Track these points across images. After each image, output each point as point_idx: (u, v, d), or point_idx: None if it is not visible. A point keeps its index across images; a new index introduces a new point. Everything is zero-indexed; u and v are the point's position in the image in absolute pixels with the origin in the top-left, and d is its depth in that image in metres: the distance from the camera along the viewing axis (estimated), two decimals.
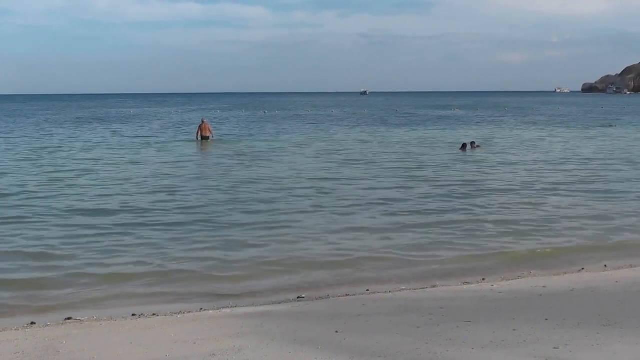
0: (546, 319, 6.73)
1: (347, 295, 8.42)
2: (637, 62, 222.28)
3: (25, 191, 17.77)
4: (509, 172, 21.23)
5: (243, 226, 13.00)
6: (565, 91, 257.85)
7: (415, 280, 9.32)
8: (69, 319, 7.66)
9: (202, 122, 35.84)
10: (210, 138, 33.87)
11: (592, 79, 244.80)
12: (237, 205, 15.22)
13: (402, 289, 8.72)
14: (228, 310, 7.79)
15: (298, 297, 8.41)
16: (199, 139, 33.83)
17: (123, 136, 39.62)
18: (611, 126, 48.18)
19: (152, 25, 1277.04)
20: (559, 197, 16.30)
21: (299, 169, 22.28)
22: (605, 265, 9.94)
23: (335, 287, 8.99)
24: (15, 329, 7.15)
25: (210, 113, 70.15)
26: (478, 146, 29.36)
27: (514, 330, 6.39)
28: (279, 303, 8.09)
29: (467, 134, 37.99)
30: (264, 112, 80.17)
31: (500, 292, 8.22)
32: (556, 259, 10.64)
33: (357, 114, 75.06)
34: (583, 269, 9.73)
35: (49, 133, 43.42)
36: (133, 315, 7.73)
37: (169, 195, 16.86)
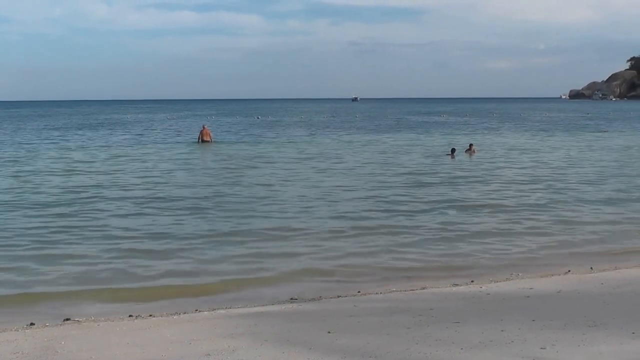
0: (533, 320, 6.85)
1: (338, 296, 8.49)
2: (623, 69, 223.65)
3: (26, 194, 17.86)
4: (498, 176, 21.42)
5: (237, 229, 13.08)
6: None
7: (405, 282, 9.42)
8: (67, 319, 7.71)
9: (203, 127, 38.81)
10: (210, 142, 36.23)
11: (579, 85, 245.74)
12: (230, 209, 15.30)
13: (393, 291, 8.80)
14: (223, 312, 7.86)
15: (291, 299, 8.48)
16: (200, 142, 36.13)
17: (122, 141, 39.81)
18: (605, 131, 48.51)
19: (149, 33, 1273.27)
20: (548, 201, 16.47)
21: (290, 175, 22.37)
22: (591, 268, 10.05)
23: (327, 289, 9.07)
24: (15, 330, 7.21)
25: (206, 119, 70.23)
26: (474, 150, 29.52)
27: (502, 330, 6.51)
28: (273, 304, 8.15)
29: (457, 139, 38.19)
30: (257, 118, 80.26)
31: (489, 294, 8.32)
32: (543, 261, 10.78)
33: (349, 119, 75.18)
34: (569, 271, 9.83)
35: (46, 138, 43.50)
36: (130, 316, 7.80)
37: (165, 198, 16.94)
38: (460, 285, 9.03)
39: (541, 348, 5.94)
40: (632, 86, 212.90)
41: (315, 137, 42.65)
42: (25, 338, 6.80)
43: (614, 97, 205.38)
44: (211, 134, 37.85)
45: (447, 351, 5.94)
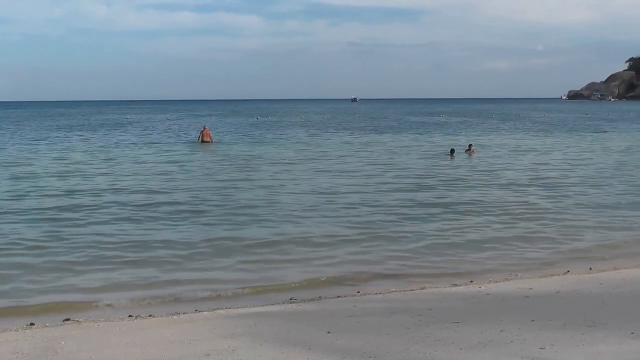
0: (532, 320, 6.86)
1: (338, 296, 8.51)
2: (621, 70, 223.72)
3: (25, 196, 17.87)
4: (497, 176, 21.45)
5: (235, 230, 13.10)
6: None
7: (404, 282, 9.45)
8: (67, 320, 7.74)
9: (204, 128, 39.32)
10: (210, 142, 36.57)
11: (578, 86, 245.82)
12: (229, 212, 15.29)
13: (392, 291, 8.83)
14: (222, 312, 7.88)
15: (290, 299, 8.50)
16: (200, 142, 36.57)
17: (122, 141, 39.86)
18: (605, 132, 48.60)
19: (149, 33, 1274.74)
20: (546, 202, 16.50)
21: (290, 176, 22.39)
22: (590, 268, 10.08)
23: (326, 289, 9.11)
24: (15, 330, 7.23)
25: (206, 120, 70.41)
26: (473, 151, 29.60)
27: (501, 331, 6.52)
28: (272, 305, 8.17)
29: (457, 140, 38.24)
30: (257, 118, 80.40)
31: (488, 294, 8.34)
32: (542, 261, 10.81)
33: (348, 120, 75.28)
34: (569, 271, 9.85)
35: (47, 138, 43.57)
36: (130, 316, 7.82)
37: (165, 200, 16.87)
38: (460, 286, 9.05)
39: (540, 348, 5.95)
40: (630, 87, 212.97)
41: (315, 138, 42.66)
42: (25, 338, 6.82)
43: (613, 98, 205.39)
44: (211, 135, 38.20)
45: (447, 351, 5.96)
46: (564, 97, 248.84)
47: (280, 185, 19.78)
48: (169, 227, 13.35)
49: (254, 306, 8.14)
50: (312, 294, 8.77)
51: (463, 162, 26.71)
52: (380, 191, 18.28)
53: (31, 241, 12.09)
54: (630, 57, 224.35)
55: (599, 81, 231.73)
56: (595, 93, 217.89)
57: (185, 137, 43.80)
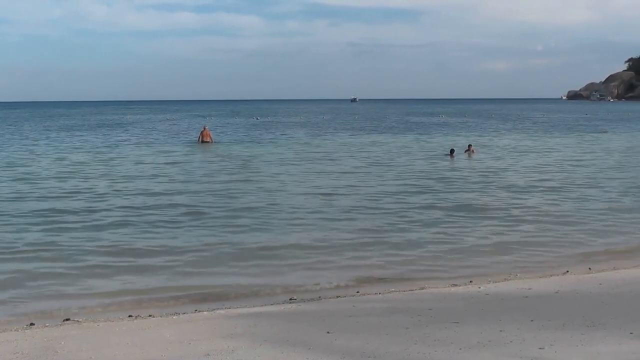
0: (532, 320, 6.86)
1: (337, 296, 8.51)
2: (621, 70, 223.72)
3: (26, 194, 17.94)
4: (497, 177, 21.46)
5: (236, 232, 13.09)
6: None
7: (404, 282, 9.44)
8: (67, 319, 7.75)
9: (204, 128, 39.55)
10: (210, 143, 36.77)
11: (577, 86, 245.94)
12: (229, 211, 15.31)
13: (392, 291, 8.82)
14: (222, 312, 7.88)
15: (290, 299, 8.51)
16: (200, 142, 36.78)
17: (121, 142, 39.90)
18: (605, 132, 48.63)
19: (149, 34, 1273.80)
20: (547, 202, 16.51)
21: (290, 176, 22.41)
22: (590, 268, 10.09)
23: (326, 289, 9.13)
24: (15, 330, 7.24)
25: (205, 120, 70.50)
26: (473, 151, 29.64)
27: (501, 331, 6.52)
28: (272, 305, 8.17)
29: (455, 140, 38.25)
30: (257, 119, 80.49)
31: (487, 294, 8.33)
32: (542, 261, 10.81)
33: (348, 120, 75.35)
34: (568, 271, 9.85)
35: (46, 138, 43.54)
36: (129, 316, 7.83)
37: (166, 202, 16.82)
38: (459, 286, 9.05)
39: (539, 348, 5.96)
40: (630, 87, 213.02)
41: (315, 139, 42.67)
42: (25, 338, 6.83)
43: (612, 98, 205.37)
44: (211, 135, 38.31)
45: (446, 351, 5.96)
46: (563, 98, 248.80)
47: (280, 186, 19.76)
48: (169, 229, 13.34)
49: (253, 306, 8.14)
50: (311, 294, 8.79)
51: (463, 163, 26.73)
52: (381, 192, 18.27)
53: (31, 243, 12.07)
54: (630, 57, 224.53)
55: (598, 81, 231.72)
56: (594, 93, 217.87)
57: (185, 137, 43.84)
